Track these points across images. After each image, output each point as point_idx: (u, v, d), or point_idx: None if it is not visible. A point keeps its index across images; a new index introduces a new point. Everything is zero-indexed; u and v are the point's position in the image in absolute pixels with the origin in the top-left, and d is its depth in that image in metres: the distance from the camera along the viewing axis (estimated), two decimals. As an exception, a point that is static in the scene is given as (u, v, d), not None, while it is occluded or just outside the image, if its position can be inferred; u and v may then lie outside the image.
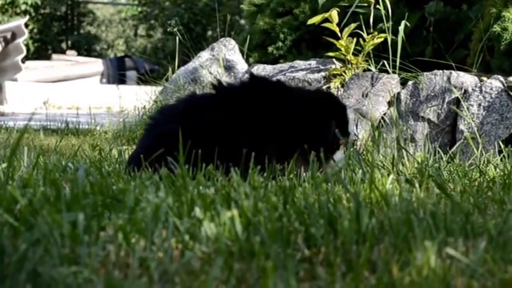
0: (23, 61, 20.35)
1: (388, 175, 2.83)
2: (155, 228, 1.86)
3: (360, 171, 3.30)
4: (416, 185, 2.63)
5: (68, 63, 22.47)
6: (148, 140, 3.27)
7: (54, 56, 23.69)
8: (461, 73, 5.33)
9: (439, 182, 2.30)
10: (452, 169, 3.88)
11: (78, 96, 18.35)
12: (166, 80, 8.12)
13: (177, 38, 7.79)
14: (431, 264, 1.64)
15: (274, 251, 1.73)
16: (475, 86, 5.14)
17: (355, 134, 5.34)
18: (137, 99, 8.33)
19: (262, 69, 6.55)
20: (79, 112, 11.06)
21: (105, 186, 2.40)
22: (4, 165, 3.27)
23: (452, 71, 5.32)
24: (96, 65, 22.85)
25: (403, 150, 5.05)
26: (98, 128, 8.05)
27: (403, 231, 1.87)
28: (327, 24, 5.92)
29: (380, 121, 5.39)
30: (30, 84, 19.52)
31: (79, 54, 25.14)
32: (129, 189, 2.20)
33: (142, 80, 22.95)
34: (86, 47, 30.36)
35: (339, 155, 3.35)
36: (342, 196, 2.30)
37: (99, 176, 2.47)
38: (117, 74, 22.77)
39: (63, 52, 25.49)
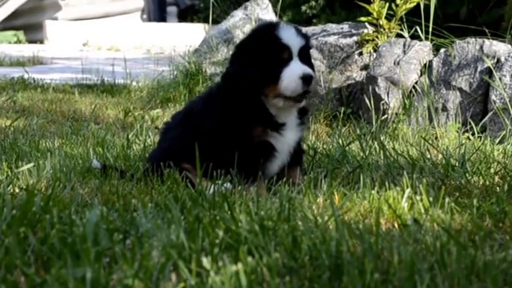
0: (63, -2, 20.40)
1: (406, 188, 2.83)
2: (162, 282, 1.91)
3: (379, 172, 3.32)
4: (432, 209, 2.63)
5: (108, -1, 22.42)
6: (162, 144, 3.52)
7: (94, -9, 23.63)
8: (494, 42, 5.25)
9: (447, 227, 2.30)
10: (477, 157, 3.87)
11: (118, 35, 18.39)
12: (205, 20, 8.08)
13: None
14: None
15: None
16: (508, 56, 5.07)
17: (386, 103, 5.32)
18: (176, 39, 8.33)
19: (294, 32, 6.49)
20: (117, 56, 11.12)
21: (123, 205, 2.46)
22: (30, 165, 3.35)
23: (485, 40, 5.25)
24: (136, 1, 22.69)
25: (434, 121, 5.05)
26: (133, 83, 8.10)
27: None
28: (359, -11, 5.85)
29: (411, 90, 5.36)
30: (70, 22, 19.55)
31: (119, -10, 25.01)
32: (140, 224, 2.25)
33: (182, 17, 22.85)
34: (126, -20, 30.12)
35: None
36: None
37: (116, 211, 2.54)
38: (157, 10, 22.67)
39: (104, -12, 25.38)
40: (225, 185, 2.93)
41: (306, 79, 3.09)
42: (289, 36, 3.13)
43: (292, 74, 3.09)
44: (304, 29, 6.39)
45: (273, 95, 3.12)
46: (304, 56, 3.17)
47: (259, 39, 3.17)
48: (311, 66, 3.21)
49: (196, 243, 2.11)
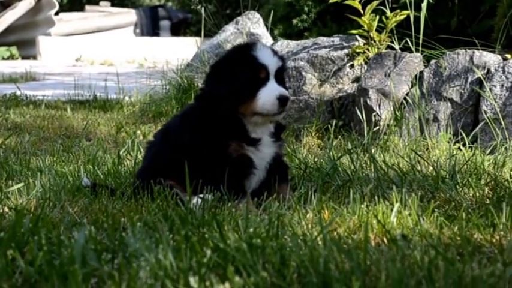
0: (56, 13, 20.41)
1: (395, 202, 2.83)
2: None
3: (369, 186, 3.33)
4: (422, 220, 2.64)
5: (101, 14, 22.37)
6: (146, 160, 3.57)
7: (87, 7, 23.58)
8: (484, 52, 5.26)
9: (435, 241, 2.32)
10: (467, 169, 3.87)
11: (111, 49, 18.42)
12: (197, 33, 8.09)
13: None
14: None
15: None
16: (498, 66, 5.08)
17: (377, 115, 5.32)
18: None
19: (286, 46, 6.51)
20: (110, 71, 11.13)
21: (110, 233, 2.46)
22: (20, 185, 3.35)
23: (475, 51, 5.26)
24: (129, 15, 22.72)
25: (425, 132, 5.06)
26: (126, 98, 8.11)
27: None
28: (349, 2, 5.86)
29: (402, 101, 5.36)
30: (63, 38, 19.59)
31: (112, 5, 25.04)
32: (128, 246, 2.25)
33: (175, 31, 22.81)
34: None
35: None
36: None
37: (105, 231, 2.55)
38: (150, 24, 22.72)
39: (96, 3, 25.38)
40: (207, 196, 2.94)
41: (282, 100, 3.14)
42: (266, 56, 3.18)
43: (269, 93, 3.14)
44: (297, 43, 6.43)
45: (249, 113, 3.17)
46: (280, 78, 3.22)
47: (236, 58, 3.21)
48: (286, 87, 3.26)
49: (184, 262, 2.10)
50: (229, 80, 3.13)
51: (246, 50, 3.20)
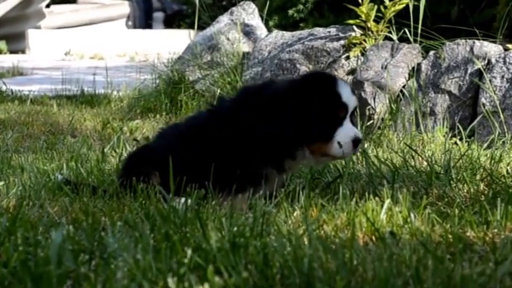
0: (48, 5, 20.20)
1: (386, 199, 2.74)
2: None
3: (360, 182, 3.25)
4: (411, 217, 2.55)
5: (93, 6, 21.97)
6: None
7: (79, -2, 23.37)
8: (485, 42, 5.15)
9: (425, 239, 2.24)
10: (462, 163, 3.78)
11: (102, 43, 18.27)
12: (191, 25, 7.98)
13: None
14: None
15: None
16: (499, 57, 4.97)
17: (372, 108, 5.23)
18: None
19: (280, 37, 6.42)
20: (99, 65, 11.06)
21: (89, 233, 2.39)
22: (0, 183, 3.28)
23: (476, 41, 5.15)
24: (122, 7, 22.31)
25: (421, 126, 4.96)
26: (114, 93, 8.01)
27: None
28: (346, -9, 5.77)
29: (399, 94, 5.26)
30: (53, 31, 19.40)
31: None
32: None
33: (169, 23, 22.54)
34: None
35: None
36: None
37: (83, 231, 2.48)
38: (143, 16, 22.54)
39: (88, -6, 25.06)
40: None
41: (356, 142, 2.99)
42: (348, 94, 2.98)
43: (345, 135, 2.96)
44: (292, 34, 6.33)
45: (319, 152, 3.01)
46: (352, 118, 3.04)
47: (317, 93, 2.94)
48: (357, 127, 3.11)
49: (163, 262, 2.03)
50: (303, 117, 2.90)
51: (329, 85, 2.98)
